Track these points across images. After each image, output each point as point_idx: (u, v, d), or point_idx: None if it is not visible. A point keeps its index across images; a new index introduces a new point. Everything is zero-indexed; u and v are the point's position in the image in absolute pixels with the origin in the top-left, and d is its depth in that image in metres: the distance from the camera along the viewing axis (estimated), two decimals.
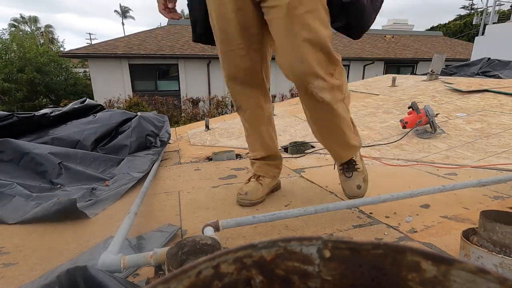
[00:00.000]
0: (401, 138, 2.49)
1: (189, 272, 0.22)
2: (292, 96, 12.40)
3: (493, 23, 15.25)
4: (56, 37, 33.81)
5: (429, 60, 5.59)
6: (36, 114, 2.20)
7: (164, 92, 12.63)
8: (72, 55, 12.39)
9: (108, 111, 2.60)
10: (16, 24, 30.64)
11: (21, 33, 20.10)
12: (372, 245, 0.23)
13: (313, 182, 1.74)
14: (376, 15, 1.14)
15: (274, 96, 13.04)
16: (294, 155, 2.42)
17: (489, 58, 6.73)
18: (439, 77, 4.93)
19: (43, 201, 1.40)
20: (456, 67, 7.04)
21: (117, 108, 6.60)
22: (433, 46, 17.12)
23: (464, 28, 29.04)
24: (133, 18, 41.95)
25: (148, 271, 0.94)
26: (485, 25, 15.05)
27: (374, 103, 3.94)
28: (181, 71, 12.71)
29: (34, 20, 32.41)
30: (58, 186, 1.67)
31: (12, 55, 14.98)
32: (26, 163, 1.71)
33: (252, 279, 0.24)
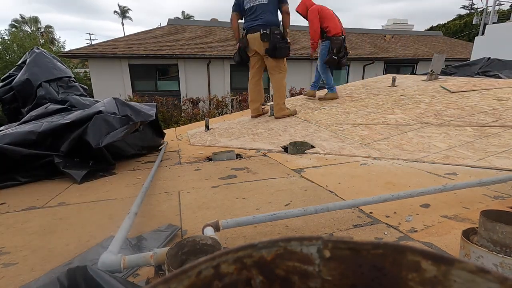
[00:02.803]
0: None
1: (189, 272, 0.22)
2: (292, 95, 12.39)
3: (493, 23, 15.24)
4: (56, 37, 33.80)
5: (429, 60, 5.59)
6: None
7: (164, 92, 12.62)
8: (72, 55, 12.37)
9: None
10: (16, 24, 30.62)
11: (21, 33, 20.10)
12: (372, 245, 0.23)
13: (313, 182, 1.74)
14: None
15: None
16: (294, 155, 2.42)
17: (489, 58, 6.72)
18: (439, 77, 4.93)
19: None
20: (456, 66, 7.04)
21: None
22: (433, 46, 17.10)
23: (464, 28, 29.03)
24: (130, 19, 42.06)
25: (148, 271, 0.94)
26: (485, 25, 15.05)
27: (374, 103, 3.94)
28: (181, 71, 12.71)
29: (35, 20, 32.39)
30: None
31: (13, 55, 14.96)
32: None
33: (252, 279, 0.24)
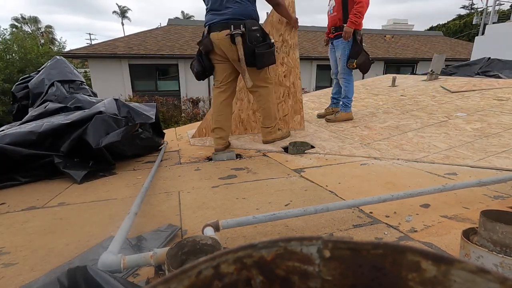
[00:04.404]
0: None
1: (189, 272, 0.22)
2: None
3: (493, 23, 15.25)
4: (57, 37, 33.86)
5: (429, 60, 5.59)
6: None
7: (164, 92, 12.64)
8: (72, 55, 12.38)
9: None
10: (17, 24, 30.63)
11: (21, 33, 20.11)
12: (372, 245, 0.23)
13: (313, 182, 1.74)
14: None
15: None
16: (294, 155, 2.42)
17: (489, 58, 6.73)
18: (439, 77, 4.93)
19: None
20: (456, 66, 7.05)
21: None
22: (433, 46, 17.11)
23: (464, 28, 29.05)
24: (129, 19, 42.10)
25: (148, 271, 0.94)
26: (485, 25, 15.06)
27: (374, 103, 3.94)
28: (181, 71, 12.72)
29: (35, 20, 32.41)
30: None
31: (13, 55, 14.96)
32: None
33: (252, 279, 0.24)
